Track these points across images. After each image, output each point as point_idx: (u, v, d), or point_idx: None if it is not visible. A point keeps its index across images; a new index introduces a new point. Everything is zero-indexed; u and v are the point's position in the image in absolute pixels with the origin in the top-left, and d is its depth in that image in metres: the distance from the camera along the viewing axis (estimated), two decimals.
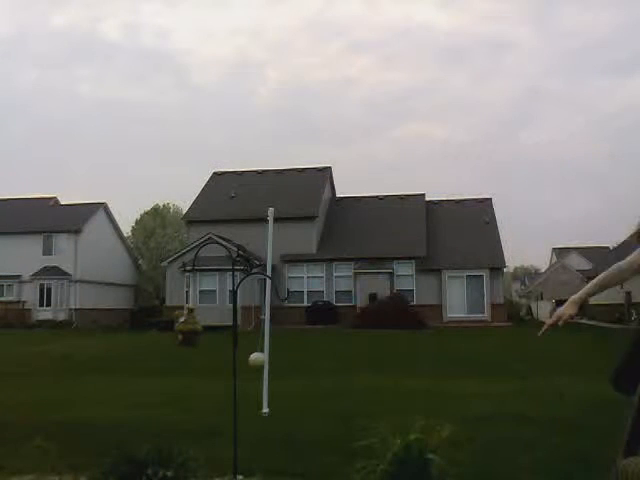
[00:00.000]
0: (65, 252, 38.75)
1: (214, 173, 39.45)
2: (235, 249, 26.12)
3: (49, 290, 37.91)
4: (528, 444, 5.88)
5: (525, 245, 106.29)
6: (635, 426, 2.45)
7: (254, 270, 23.52)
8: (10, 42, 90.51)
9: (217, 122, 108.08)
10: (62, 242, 38.93)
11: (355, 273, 31.60)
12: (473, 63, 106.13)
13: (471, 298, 31.37)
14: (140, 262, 49.80)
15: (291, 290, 31.49)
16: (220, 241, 23.09)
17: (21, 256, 37.59)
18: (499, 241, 33.18)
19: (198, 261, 23.80)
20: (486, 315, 30.96)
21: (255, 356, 6.75)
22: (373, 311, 28.25)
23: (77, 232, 38.95)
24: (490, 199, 37.29)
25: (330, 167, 38.50)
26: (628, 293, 35.96)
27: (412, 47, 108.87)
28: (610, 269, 2.91)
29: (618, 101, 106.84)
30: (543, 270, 75.56)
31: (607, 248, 58.65)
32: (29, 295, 37.78)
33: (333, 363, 14.63)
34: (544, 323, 3.12)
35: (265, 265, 7.20)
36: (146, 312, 38.74)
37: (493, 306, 31.29)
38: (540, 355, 15.91)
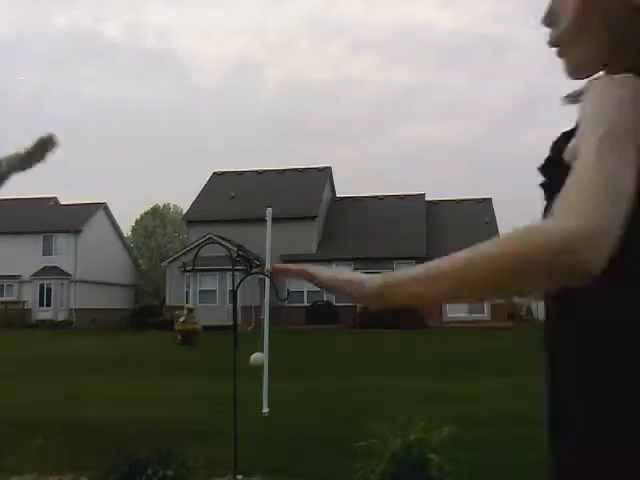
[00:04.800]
0: (65, 252, 38.73)
1: (214, 173, 39.44)
2: (235, 249, 26.11)
3: (49, 290, 37.90)
4: (528, 443, 5.88)
5: None
6: None
7: (254, 270, 23.52)
8: (10, 42, 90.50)
9: (217, 122, 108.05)
10: (62, 242, 38.92)
11: None
12: (473, 63, 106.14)
13: None
14: (140, 262, 49.80)
15: (291, 290, 31.39)
16: (220, 241, 23.10)
17: (21, 256, 37.58)
18: None
19: (198, 261, 23.80)
20: (486, 315, 30.94)
21: (255, 356, 6.76)
22: (373, 311, 28.20)
23: (77, 232, 38.94)
24: (490, 199, 37.28)
25: (330, 167, 38.48)
26: None
27: (412, 47, 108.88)
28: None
29: None
30: None
31: None
32: (29, 295, 37.77)
33: (333, 363, 14.64)
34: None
35: (265, 265, 7.21)
36: (146, 312, 38.73)
37: (493, 306, 31.25)
38: (540, 355, 15.92)
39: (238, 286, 5.36)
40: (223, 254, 23.10)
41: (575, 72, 0.98)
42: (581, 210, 0.74)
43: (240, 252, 26.88)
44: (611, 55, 0.93)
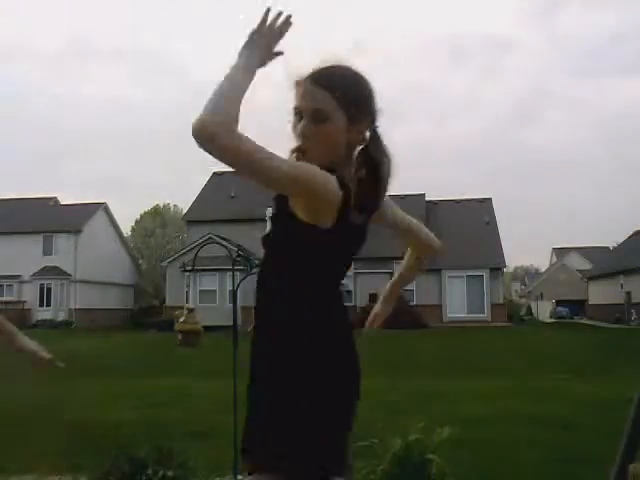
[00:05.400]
0: (65, 252, 38.72)
1: (214, 173, 39.41)
2: (235, 249, 26.08)
3: (49, 290, 37.89)
4: (528, 444, 5.88)
5: (525, 245, 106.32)
6: (634, 426, 2.45)
7: (254, 270, 23.46)
8: (12, 42, 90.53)
9: None
10: (62, 242, 38.91)
11: (355, 273, 31.57)
12: (474, 63, 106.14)
13: (471, 298, 31.34)
14: (140, 262, 49.79)
15: None
16: (220, 241, 23.08)
17: (21, 256, 37.57)
18: (499, 241, 33.16)
19: (198, 261, 23.80)
20: (486, 315, 30.94)
21: None
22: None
23: (77, 232, 38.93)
24: (490, 199, 37.29)
25: None
26: (628, 293, 35.94)
27: (413, 47, 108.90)
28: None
29: (620, 102, 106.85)
30: (543, 270, 75.58)
31: (607, 248, 58.68)
32: (29, 295, 37.75)
33: None
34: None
35: None
36: (146, 312, 38.72)
37: (493, 306, 31.27)
38: (539, 355, 15.93)
39: (238, 286, 5.35)
40: (223, 254, 23.09)
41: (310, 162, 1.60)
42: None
43: (240, 252, 26.86)
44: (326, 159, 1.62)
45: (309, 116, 1.64)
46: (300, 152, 1.66)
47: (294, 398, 1.60)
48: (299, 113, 1.66)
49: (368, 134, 1.69)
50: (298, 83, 1.68)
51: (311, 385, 1.61)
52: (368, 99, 1.70)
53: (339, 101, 1.62)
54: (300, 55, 1.79)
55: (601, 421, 6.53)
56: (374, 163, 1.69)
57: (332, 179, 1.55)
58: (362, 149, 1.70)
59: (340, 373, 1.68)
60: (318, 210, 1.57)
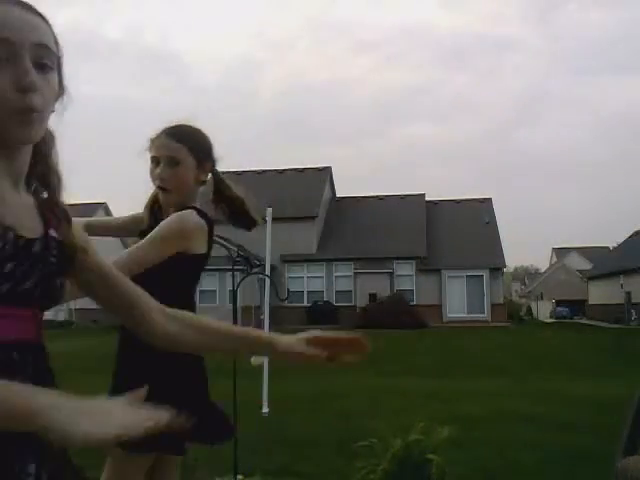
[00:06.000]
0: None
1: None
2: (235, 249, 26.02)
3: None
4: (528, 444, 5.88)
5: (525, 245, 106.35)
6: (634, 425, 2.45)
7: (254, 270, 23.48)
8: None
9: (217, 122, 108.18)
10: None
11: (355, 273, 31.57)
12: (474, 63, 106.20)
13: (471, 298, 31.32)
14: None
15: (291, 290, 31.46)
16: (220, 241, 23.07)
17: None
18: (499, 241, 33.14)
19: None
20: (486, 315, 30.93)
21: (256, 356, 6.75)
22: (373, 311, 28.25)
23: None
24: (490, 199, 37.26)
25: (330, 167, 38.42)
26: (628, 293, 35.94)
27: (413, 47, 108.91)
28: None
29: (620, 101, 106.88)
30: (543, 270, 75.58)
31: (607, 248, 58.65)
32: None
33: (333, 363, 14.60)
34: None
35: (265, 265, 7.21)
36: None
37: (493, 306, 31.25)
38: (539, 355, 15.93)
39: (238, 286, 5.36)
40: (223, 254, 23.06)
41: (166, 207, 2.16)
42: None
43: (240, 252, 26.85)
44: (182, 201, 2.11)
45: (166, 162, 2.10)
46: (161, 190, 2.13)
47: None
48: (156, 161, 2.12)
49: (210, 175, 2.25)
50: (153, 138, 2.16)
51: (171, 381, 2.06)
52: (210, 148, 2.24)
53: (189, 149, 2.12)
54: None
55: (601, 421, 6.53)
56: (227, 195, 2.26)
57: (191, 218, 2.05)
58: (216, 189, 2.27)
59: (190, 374, 2.23)
60: (198, 245, 2.06)
